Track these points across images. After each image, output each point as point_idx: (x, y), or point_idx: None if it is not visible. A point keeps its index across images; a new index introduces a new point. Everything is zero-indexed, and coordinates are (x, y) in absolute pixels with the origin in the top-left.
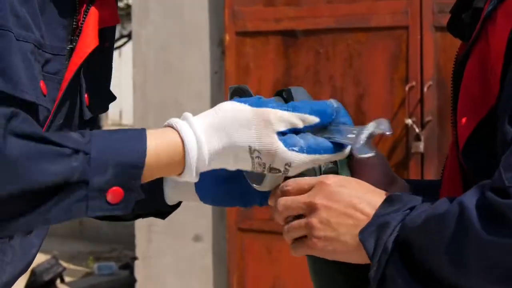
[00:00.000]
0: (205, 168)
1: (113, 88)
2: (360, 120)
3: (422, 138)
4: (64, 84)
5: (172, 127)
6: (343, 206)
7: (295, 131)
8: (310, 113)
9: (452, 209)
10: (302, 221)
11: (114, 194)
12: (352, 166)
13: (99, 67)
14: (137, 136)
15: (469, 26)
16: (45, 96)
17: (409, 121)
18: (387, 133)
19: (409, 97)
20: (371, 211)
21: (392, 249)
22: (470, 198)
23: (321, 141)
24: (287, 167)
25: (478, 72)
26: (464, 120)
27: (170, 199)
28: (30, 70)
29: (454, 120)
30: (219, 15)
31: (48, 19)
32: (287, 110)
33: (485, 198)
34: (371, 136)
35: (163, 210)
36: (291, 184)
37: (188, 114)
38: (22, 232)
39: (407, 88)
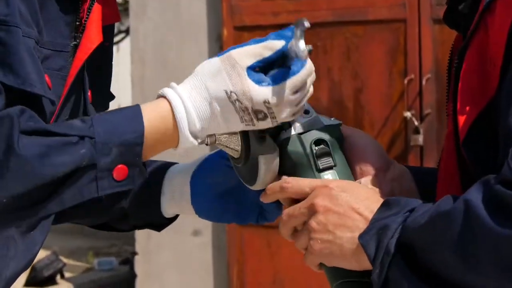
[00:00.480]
0: (197, 129)
1: (111, 83)
2: (359, 114)
3: (421, 131)
4: (70, 80)
5: (161, 96)
6: (342, 209)
7: (269, 63)
8: (274, 39)
9: (457, 206)
10: (304, 226)
11: (120, 171)
12: (345, 150)
13: (100, 65)
14: (134, 115)
15: (466, 17)
16: (50, 89)
17: (408, 114)
18: (308, 25)
19: (408, 90)
20: (369, 215)
21: (394, 252)
22: (475, 194)
23: (282, 69)
24: (267, 105)
25: (477, 64)
26: (464, 111)
27: (166, 212)
28: (36, 65)
29: (453, 111)
30: (217, 10)
31: (48, 16)
32: (250, 44)
33: (492, 191)
34: (303, 34)
35: (159, 222)
36: (291, 181)
37: (173, 83)
38: (42, 218)
39: (405, 81)
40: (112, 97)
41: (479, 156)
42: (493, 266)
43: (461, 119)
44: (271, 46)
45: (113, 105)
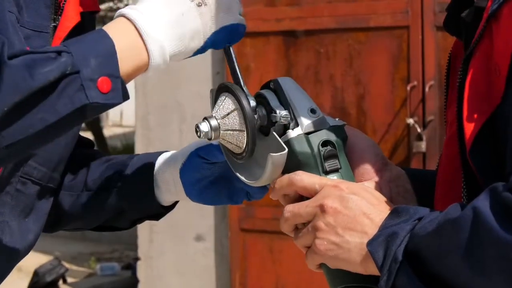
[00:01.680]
0: (162, 36)
1: None
2: (361, 121)
3: (424, 137)
4: None
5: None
6: (352, 213)
7: None
8: None
9: (465, 214)
10: (310, 225)
11: (103, 83)
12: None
13: None
14: (99, 32)
15: (469, 25)
16: None
17: (410, 121)
18: None
19: (411, 97)
20: (380, 222)
21: (402, 259)
22: (483, 202)
23: None
24: None
25: (483, 72)
26: (470, 119)
27: (164, 201)
28: (19, 35)
29: (458, 119)
30: None
31: None
32: None
33: (500, 199)
34: None
35: (157, 212)
36: (301, 175)
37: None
38: (41, 134)
39: (408, 88)
40: None
41: (485, 163)
42: (501, 273)
43: (467, 127)
44: None
45: (115, 111)
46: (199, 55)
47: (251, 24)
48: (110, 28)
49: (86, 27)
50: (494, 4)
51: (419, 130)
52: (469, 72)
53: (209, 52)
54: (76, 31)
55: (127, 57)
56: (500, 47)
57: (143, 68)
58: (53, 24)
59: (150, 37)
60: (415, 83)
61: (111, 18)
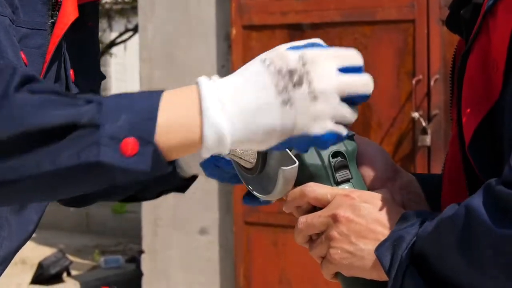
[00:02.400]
0: (224, 123)
1: (119, 81)
2: (367, 114)
3: (429, 131)
4: (48, 56)
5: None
6: (365, 221)
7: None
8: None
9: (458, 211)
10: (323, 235)
11: (129, 145)
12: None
13: (83, 45)
14: (154, 93)
15: (468, 22)
16: (26, 66)
17: (415, 115)
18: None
19: (416, 91)
20: (392, 228)
21: (408, 263)
22: (476, 198)
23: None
24: (302, 61)
25: (480, 68)
26: (468, 115)
27: (185, 173)
28: (11, 41)
29: (458, 116)
30: (226, 9)
31: None
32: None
33: (494, 193)
34: None
35: (182, 185)
36: (313, 186)
37: (215, 76)
38: (33, 177)
39: (414, 82)
40: (102, 77)
41: (484, 160)
42: (496, 266)
43: (466, 123)
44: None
45: None
46: (203, 48)
47: (256, 18)
48: (174, 93)
49: (87, 19)
50: (490, 0)
51: (424, 124)
52: (467, 69)
53: (213, 43)
54: (76, 27)
55: (175, 129)
56: (497, 43)
57: (193, 147)
58: (51, 21)
59: (210, 120)
60: (420, 77)
61: (117, 12)
